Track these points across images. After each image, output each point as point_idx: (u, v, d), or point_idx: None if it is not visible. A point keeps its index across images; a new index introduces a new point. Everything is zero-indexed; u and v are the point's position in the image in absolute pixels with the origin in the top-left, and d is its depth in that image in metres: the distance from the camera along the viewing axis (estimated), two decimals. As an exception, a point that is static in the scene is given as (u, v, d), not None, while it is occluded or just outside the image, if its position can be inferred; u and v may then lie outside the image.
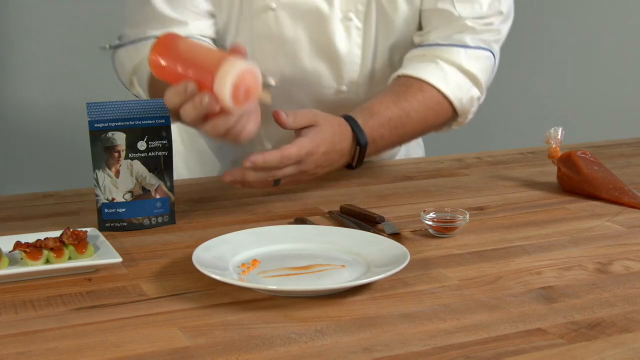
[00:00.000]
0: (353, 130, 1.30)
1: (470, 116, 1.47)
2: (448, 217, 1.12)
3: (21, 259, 0.94)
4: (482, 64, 1.42)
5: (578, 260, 1.02)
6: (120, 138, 1.10)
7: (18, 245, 0.95)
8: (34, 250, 0.94)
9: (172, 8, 1.36)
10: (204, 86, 1.01)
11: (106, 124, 1.10)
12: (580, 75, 2.85)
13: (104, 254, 0.98)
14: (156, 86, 1.30)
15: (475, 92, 1.43)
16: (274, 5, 1.36)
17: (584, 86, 2.88)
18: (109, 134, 1.10)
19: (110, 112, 1.10)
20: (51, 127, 3.03)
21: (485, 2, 1.42)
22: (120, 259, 0.95)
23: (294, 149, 1.18)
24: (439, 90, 1.39)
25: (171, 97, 1.04)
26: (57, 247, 0.95)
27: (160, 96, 1.15)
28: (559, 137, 1.40)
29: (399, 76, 1.41)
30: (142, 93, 1.38)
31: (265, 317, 0.83)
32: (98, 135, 1.10)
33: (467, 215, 1.11)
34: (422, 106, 1.38)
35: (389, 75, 1.45)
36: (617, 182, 1.30)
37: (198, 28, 1.37)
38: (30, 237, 0.98)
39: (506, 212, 1.24)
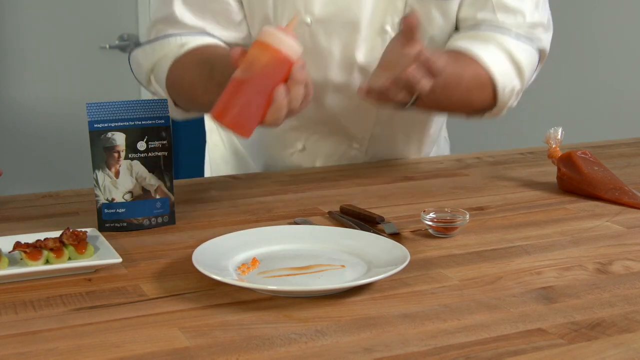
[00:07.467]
0: None
1: (505, 110, 1.41)
2: (448, 218, 1.12)
3: (21, 259, 0.94)
4: (530, 56, 1.38)
5: (578, 260, 1.02)
6: (120, 138, 1.10)
7: (18, 245, 0.95)
8: (34, 250, 0.94)
9: (196, 16, 1.33)
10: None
11: (106, 124, 1.10)
12: (580, 76, 2.85)
13: (103, 254, 0.98)
14: (176, 83, 1.30)
15: (517, 84, 1.38)
16: (309, 20, 1.35)
17: (583, 86, 2.88)
18: (109, 134, 1.10)
19: (110, 112, 1.10)
20: (51, 127, 3.03)
21: (528, 13, 1.38)
22: (120, 260, 0.95)
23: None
24: (489, 72, 1.33)
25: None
26: (57, 247, 0.95)
27: (180, 93, 1.24)
28: (559, 137, 1.40)
29: (451, 51, 1.35)
30: (160, 91, 1.36)
31: (265, 317, 0.83)
32: (98, 136, 1.10)
33: (467, 216, 1.11)
34: (473, 78, 1.32)
35: None
36: (617, 182, 1.30)
37: (224, 37, 1.35)
38: (30, 238, 0.98)
39: (506, 212, 1.24)
